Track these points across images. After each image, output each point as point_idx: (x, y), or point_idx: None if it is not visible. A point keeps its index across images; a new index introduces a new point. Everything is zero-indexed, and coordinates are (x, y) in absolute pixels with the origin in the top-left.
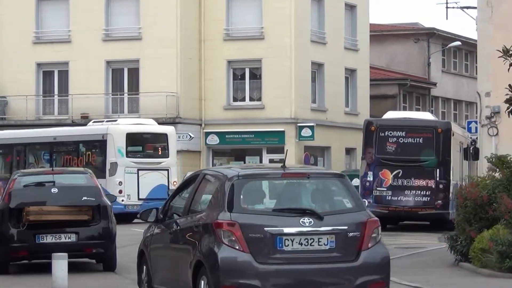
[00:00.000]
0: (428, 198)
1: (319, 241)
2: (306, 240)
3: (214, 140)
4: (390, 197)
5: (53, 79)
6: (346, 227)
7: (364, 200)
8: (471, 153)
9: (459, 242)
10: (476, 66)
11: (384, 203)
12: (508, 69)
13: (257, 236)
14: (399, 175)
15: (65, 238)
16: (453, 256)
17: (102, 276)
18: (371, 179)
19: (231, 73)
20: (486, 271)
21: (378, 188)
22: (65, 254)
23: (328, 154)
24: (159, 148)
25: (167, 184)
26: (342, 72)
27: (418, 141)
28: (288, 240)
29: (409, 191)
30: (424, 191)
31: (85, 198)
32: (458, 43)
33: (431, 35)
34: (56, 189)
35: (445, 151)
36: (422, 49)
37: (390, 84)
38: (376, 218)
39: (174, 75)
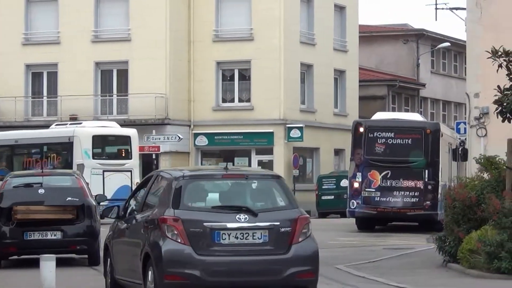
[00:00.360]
0: (417, 199)
1: (253, 235)
2: (242, 234)
3: (203, 141)
4: (378, 198)
5: (42, 80)
6: (278, 223)
7: (352, 201)
8: (460, 154)
9: (447, 243)
10: (465, 67)
11: (372, 204)
12: (497, 70)
13: (198, 231)
14: (388, 176)
15: (51, 236)
16: (441, 257)
17: (91, 276)
18: (360, 180)
19: (220, 74)
20: (475, 272)
21: (366, 189)
22: (53, 256)
23: (317, 155)
24: (123, 150)
25: (130, 185)
26: (331, 73)
27: (407, 142)
28: (225, 234)
29: (397, 192)
30: (413, 192)
31: (70, 198)
32: (447, 44)
33: (420, 36)
34: (43, 190)
35: (433, 152)
36: (411, 50)
37: (379, 85)
38: (307, 215)
39: (163, 76)
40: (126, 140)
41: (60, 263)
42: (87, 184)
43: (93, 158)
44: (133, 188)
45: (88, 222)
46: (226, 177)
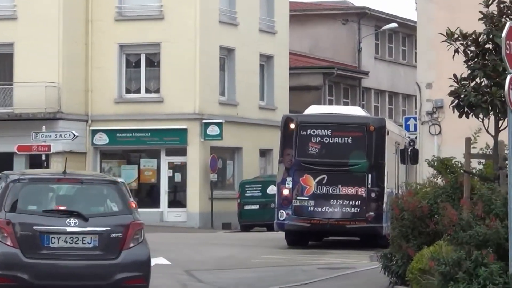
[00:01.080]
0: (358, 209)
1: (83, 240)
2: (71, 239)
3: (102, 139)
4: (312, 207)
5: None
6: (109, 228)
7: (281, 211)
8: (409, 155)
9: (394, 262)
10: (416, 53)
11: (305, 215)
12: (453, 56)
13: (27, 234)
14: (324, 182)
15: None
16: (387, 278)
17: None
18: (290, 186)
19: (124, 59)
20: None
21: (298, 197)
22: None
23: (239, 156)
24: None
25: None
26: (256, 59)
27: (346, 141)
28: (54, 238)
29: (335, 201)
30: (353, 201)
31: None
32: (394, 25)
33: (362, 15)
34: None
35: (378, 153)
36: (352, 32)
37: (314, 73)
38: (140, 222)
39: (55, 62)
40: None
41: None
42: None
43: None
44: None
45: None
46: (62, 181)
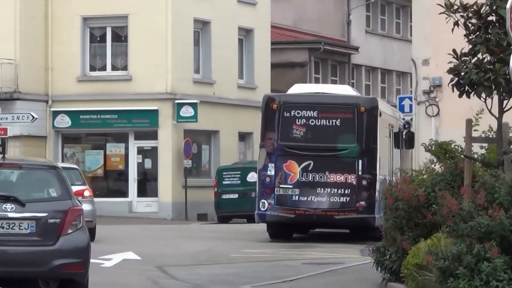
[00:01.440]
0: (348, 199)
1: (20, 226)
2: (8, 224)
3: (64, 121)
4: (297, 197)
5: None
6: (46, 214)
7: (263, 200)
8: (404, 139)
9: (387, 256)
10: (411, 26)
11: (289, 205)
12: (453, 30)
13: None
14: (310, 168)
15: None
16: (379, 274)
17: None
18: (273, 173)
19: (88, 33)
20: None
21: (281, 185)
22: None
23: (216, 140)
24: None
25: None
26: (235, 32)
27: (334, 124)
28: None
29: (322, 189)
30: (342, 189)
31: None
32: None
33: None
34: None
35: (369, 137)
36: (340, 3)
37: (298, 48)
38: (79, 208)
39: (11, 37)
40: None
41: None
42: None
43: None
44: None
45: None
46: (0, 167)
